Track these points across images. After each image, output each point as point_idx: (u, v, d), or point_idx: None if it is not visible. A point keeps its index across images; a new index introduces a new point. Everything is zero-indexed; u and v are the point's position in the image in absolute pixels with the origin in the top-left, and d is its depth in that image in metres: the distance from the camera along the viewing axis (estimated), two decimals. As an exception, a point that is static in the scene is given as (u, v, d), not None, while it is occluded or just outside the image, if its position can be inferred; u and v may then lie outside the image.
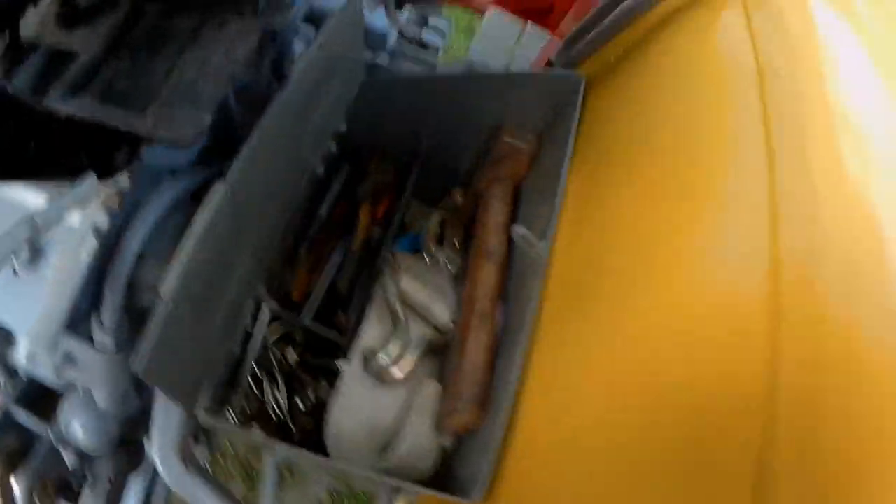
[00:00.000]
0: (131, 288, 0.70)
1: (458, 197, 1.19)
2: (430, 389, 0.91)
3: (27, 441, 0.77)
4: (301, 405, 1.12)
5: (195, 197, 0.75)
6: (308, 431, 1.02)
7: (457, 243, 1.13)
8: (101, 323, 0.67)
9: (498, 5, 1.27)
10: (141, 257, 0.70)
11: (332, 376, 1.02)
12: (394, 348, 0.96)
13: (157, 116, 0.71)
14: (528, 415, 0.76)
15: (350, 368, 0.97)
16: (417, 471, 0.89)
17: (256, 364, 1.10)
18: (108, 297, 0.67)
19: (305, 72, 0.82)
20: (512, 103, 0.97)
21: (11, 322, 0.68)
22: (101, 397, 0.70)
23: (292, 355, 1.13)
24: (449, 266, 1.10)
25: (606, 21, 0.90)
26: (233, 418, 1.03)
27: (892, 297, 0.54)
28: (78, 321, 0.68)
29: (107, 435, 0.74)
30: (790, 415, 0.53)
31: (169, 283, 0.65)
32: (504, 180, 1.02)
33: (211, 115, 0.72)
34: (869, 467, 0.51)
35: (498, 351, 0.90)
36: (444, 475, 0.86)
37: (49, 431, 0.75)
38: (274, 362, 1.13)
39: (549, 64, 0.96)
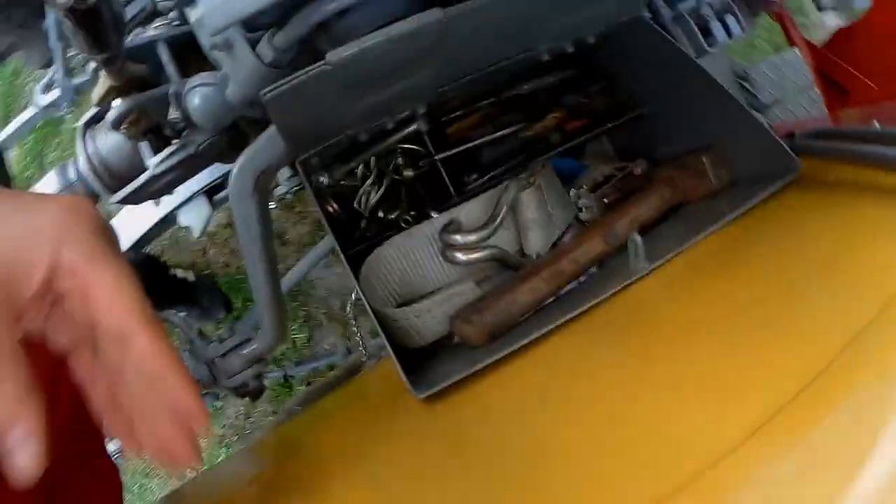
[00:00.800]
0: (317, 28, 0.73)
1: (639, 168, 1.16)
2: (468, 289, 0.94)
3: (152, 80, 0.85)
4: (381, 214, 1.19)
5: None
6: (365, 239, 1.08)
7: (605, 202, 1.12)
8: (272, 38, 0.72)
9: (808, 50, 1.17)
10: (343, 14, 0.73)
11: (418, 220, 1.06)
12: (473, 238, 0.99)
13: None
14: (507, 372, 0.80)
15: (432, 223, 1.02)
16: (409, 339, 0.94)
17: (375, 157, 1.16)
18: (293, 23, 0.71)
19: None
20: (736, 136, 0.93)
21: None
22: (233, 90, 0.76)
23: (409, 173, 1.18)
24: (581, 212, 1.10)
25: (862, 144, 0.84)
26: (322, 182, 1.10)
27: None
28: (256, 24, 0.72)
29: (217, 117, 0.79)
30: None
31: (341, 53, 0.68)
32: (674, 190, 1.00)
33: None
34: None
35: (542, 309, 0.92)
36: (420, 362, 0.91)
37: (177, 80, 0.82)
38: (390, 168, 1.19)
39: (790, 135, 0.91)
